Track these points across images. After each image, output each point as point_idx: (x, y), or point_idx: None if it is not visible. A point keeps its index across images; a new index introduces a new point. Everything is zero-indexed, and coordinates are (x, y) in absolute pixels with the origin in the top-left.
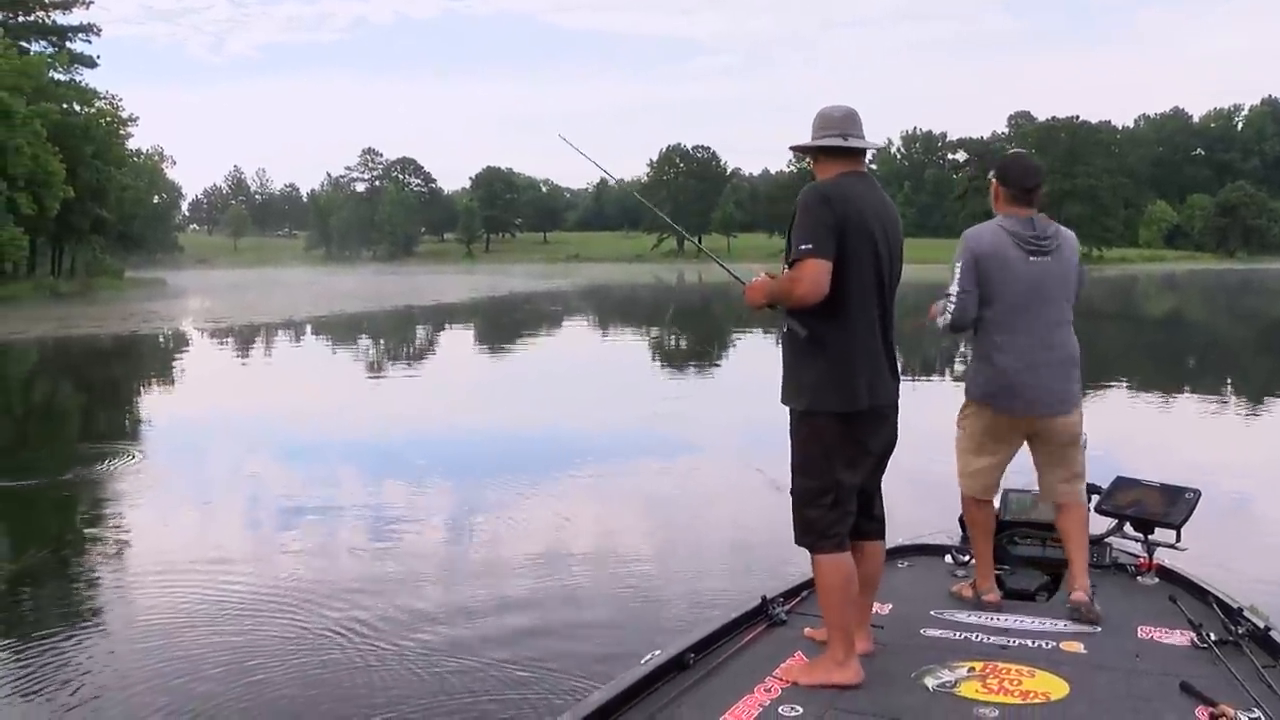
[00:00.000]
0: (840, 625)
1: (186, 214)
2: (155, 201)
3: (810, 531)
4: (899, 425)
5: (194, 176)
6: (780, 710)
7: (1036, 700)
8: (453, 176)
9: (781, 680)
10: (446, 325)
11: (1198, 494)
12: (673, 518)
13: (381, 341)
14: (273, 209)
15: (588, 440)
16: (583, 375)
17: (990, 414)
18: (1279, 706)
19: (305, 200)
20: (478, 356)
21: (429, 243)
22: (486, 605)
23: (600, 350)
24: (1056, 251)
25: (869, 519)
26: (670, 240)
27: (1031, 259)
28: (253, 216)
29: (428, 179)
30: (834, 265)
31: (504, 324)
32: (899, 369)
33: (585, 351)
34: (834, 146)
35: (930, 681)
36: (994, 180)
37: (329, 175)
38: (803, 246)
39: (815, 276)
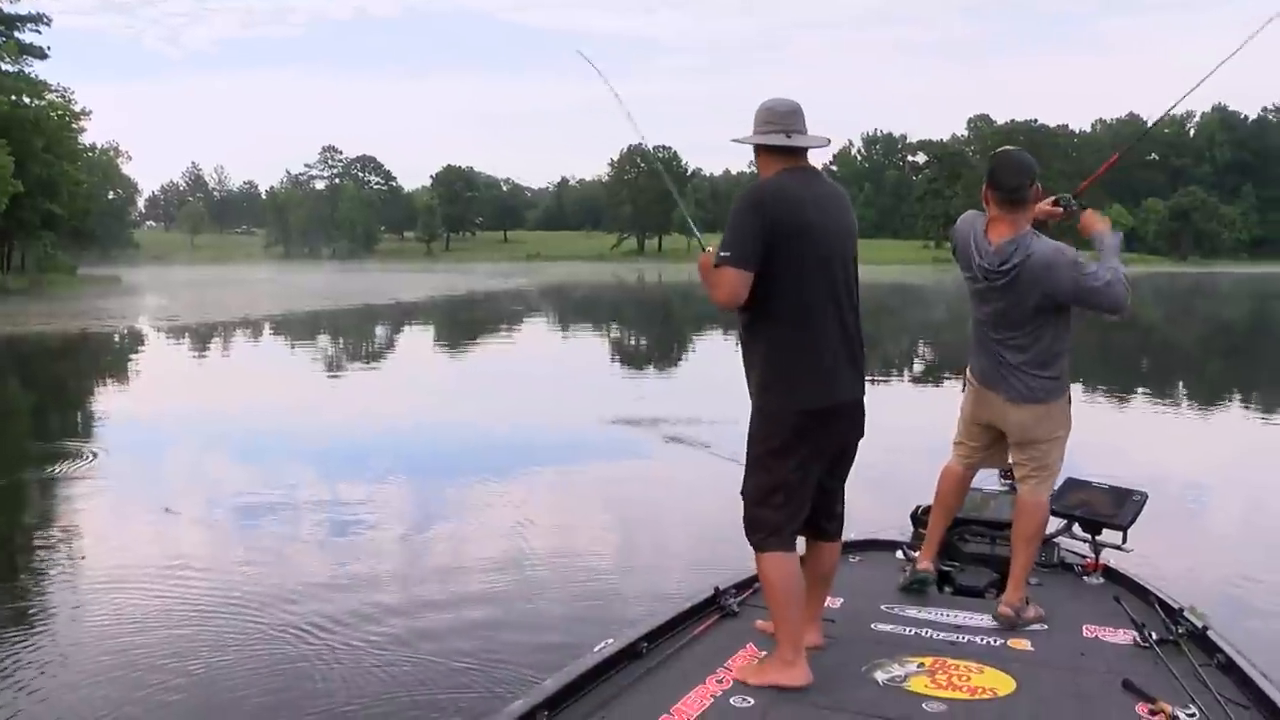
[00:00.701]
0: (788, 626)
1: (143, 211)
2: (110, 197)
3: (758, 529)
4: (864, 416)
5: (151, 173)
6: (731, 701)
7: (984, 696)
8: (413, 175)
9: (733, 672)
10: (405, 324)
11: (1145, 496)
12: (632, 511)
13: (339, 340)
14: (231, 206)
15: (547, 437)
16: (543, 376)
17: (970, 379)
18: (1214, 703)
19: (264, 198)
20: (435, 355)
21: (389, 241)
22: (443, 598)
23: (565, 352)
24: (1007, 286)
25: (829, 518)
26: (631, 240)
27: (981, 279)
28: (211, 214)
29: (388, 177)
30: (778, 267)
31: (462, 322)
32: (863, 366)
33: (544, 352)
34: (774, 145)
35: (880, 676)
36: (985, 183)
37: (288, 173)
38: (723, 254)
39: (730, 285)
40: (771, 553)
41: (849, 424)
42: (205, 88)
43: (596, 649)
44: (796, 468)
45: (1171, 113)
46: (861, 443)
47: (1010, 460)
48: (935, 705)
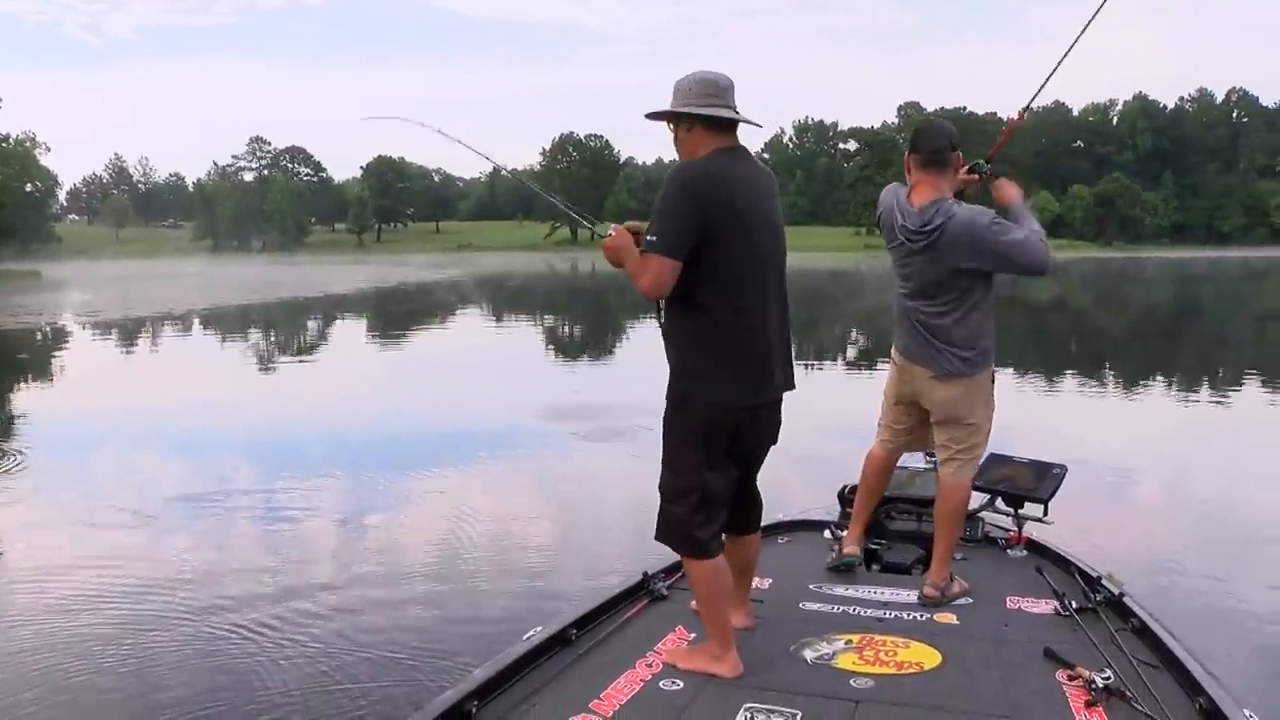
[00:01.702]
0: (716, 622)
1: (64, 204)
2: (28, 190)
3: (673, 532)
4: (781, 417)
5: (72, 165)
6: (661, 684)
7: (910, 670)
8: (343, 166)
9: (663, 655)
10: (334, 317)
11: (1064, 469)
12: (559, 500)
13: (266, 334)
14: (157, 199)
15: (475, 430)
16: (474, 369)
17: (894, 356)
18: (1128, 666)
19: (191, 190)
20: (362, 350)
21: (319, 233)
22: (374, 590)
23: (498, 344)
24: (929, 248)
25: (750, 513)
26: (564, 229)
27: (904, 244)
28: (136, 206)
29: (317, 168)
30: (708, 256)
31: (392, 315)
32: (791, 359)
33: (476, 344)
34: (715, 117)
35: (809, 654)
36: (907, 152)
37: (215, 164)
38: (650, 238)
39: (657, 274)
40: (699, 559)
41: (768, 422)
42: (128, 77)
43: (526, 637)
44: (712, 467)
45: (1095, 100)
46: (792, 423)
47: (934, 442)
48: (863, 681)
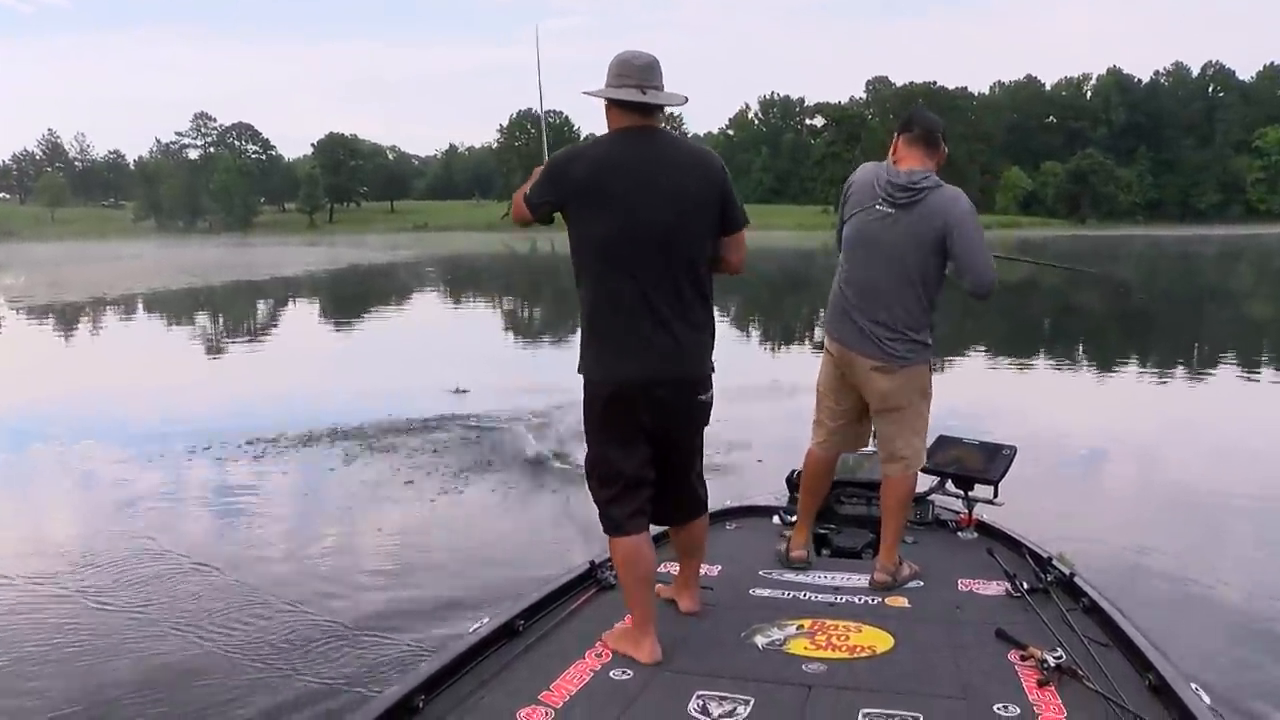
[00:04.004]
0: (634, 604)
1: None
2: None
3: (596, 505)
4: (701, 401)
5: (1, 140)
6: (611, 674)
7: (863, 654)
8: (293, 143)
9: (610, 643)
10: (281, 301)
11: (1014, 450)
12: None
13: (209, 319)
14: (94, 177)
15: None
16: (422, 355)
17: (829, 347)
18: (1079, 645)
19: (132, 168)
20: (308, 334)
21: (268, 213)
22: (323, 579)
23: (451, 328)
24: (908, 208)
25: (682, 501)
26: None
27: (878, 207)
28: (73, 185)
29: (266, 145)
30: (578, 230)
31: (343, 299)
32: (695, 343)
33: (425, 330)
34: (626, 100)
35: (760, 640)
36: (896, 133)
37: (158, 141)
38: (527, 191)
39: (518, 210)
40: (614, 537)
41: (674, 404)
42: (62, 48)
43: (473, 629)
44: (608, 442)
45: (1068, 74)
46: (741, 406)
47: (875, 434)
48: (815, 666)
